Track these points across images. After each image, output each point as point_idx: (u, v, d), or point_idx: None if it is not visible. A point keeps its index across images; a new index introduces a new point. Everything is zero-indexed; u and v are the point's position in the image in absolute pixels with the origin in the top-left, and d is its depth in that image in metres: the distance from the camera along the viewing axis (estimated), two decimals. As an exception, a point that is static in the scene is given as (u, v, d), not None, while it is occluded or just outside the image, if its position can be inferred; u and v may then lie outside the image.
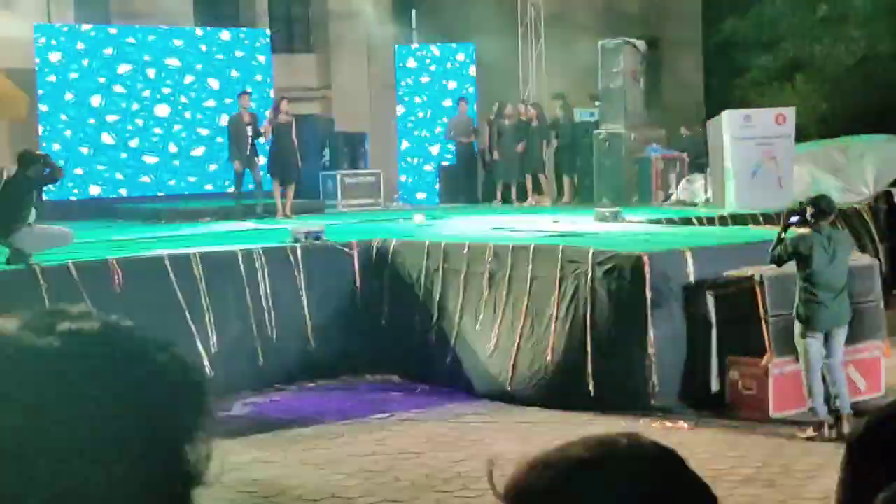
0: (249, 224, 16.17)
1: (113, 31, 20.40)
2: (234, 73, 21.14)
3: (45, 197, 13.76)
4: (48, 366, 0.98)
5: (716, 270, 10.93)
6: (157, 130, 20.45)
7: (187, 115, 20.76)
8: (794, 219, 9.58)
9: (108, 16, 21.02)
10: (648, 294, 10.56)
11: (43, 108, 19.55)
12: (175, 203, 19.36)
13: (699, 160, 19.01)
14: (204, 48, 20.98)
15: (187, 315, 11.24)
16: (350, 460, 9.27)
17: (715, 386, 10.70)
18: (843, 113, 23.75)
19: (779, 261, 9.63)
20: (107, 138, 19.99)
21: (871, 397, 10.61)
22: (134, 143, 20.23)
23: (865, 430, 1.60)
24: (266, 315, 11.91)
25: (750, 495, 8.13)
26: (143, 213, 18.37)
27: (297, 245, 12.41)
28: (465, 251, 12.08)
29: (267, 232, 14.59)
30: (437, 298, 12.21)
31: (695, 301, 10.80)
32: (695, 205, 17.61)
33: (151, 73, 20.42)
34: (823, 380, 9.54)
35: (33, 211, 11.21)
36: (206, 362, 10.98)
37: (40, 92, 19.54)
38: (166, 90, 20.57)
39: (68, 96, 19.74)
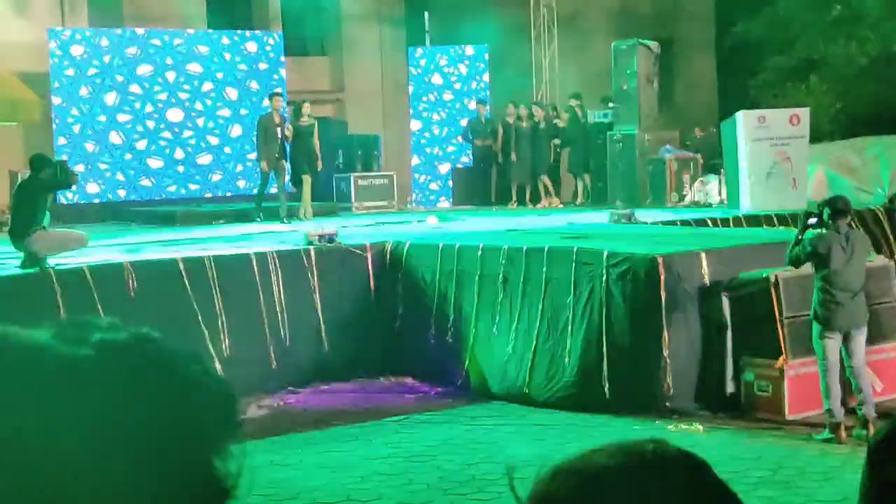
0: (263, 226, 16.16)
1: (121, 33, 20.42)
2: (245, 75, 21.17)
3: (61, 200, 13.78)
4: (84, 376, 0.97)
5: (730, 272, 10.91)
6: (167, 135, 20.48)
7: (200, 121, 20.80)
8: (812, 220, 9.56)
9: (122, 19, 21.04)
10: (663, 296, 10.54)
11: (56, 112, 19.59)
12: (189, 206, 19.40)
13: (713, 161, 18.98)
14: (217, 53, 21.01)
15: (199, 318, 11.26)
16: (364, 463, 9.26)
17: (730, 388, 10.68)
18: (857, 113, 23.67)
19: (797, 262, 9.59)
20: (116, 139, 20.02)
21: (890, 398, 10.58)
22: (141, 145, 20.26)
23: (887, 433, 1.57)
24: (280, 317, 11.92)
25: (765, 497, 8.09)
26: (157, 215, 18.43)
27: (311, 247, 12.43)
28: (479, 253, 12.07)
29: (281, 234, 14.62)
30: (452, 301, 12.20)
31: (710, 303, 10.77)
32: (709, 206, 17.57)
33: (170, 76, 20.49)
34: (840, 381, 9.51)
35: (48, 214, 11.23)
36: (217, 365, 10.98)
37: (54, 97, 19.58)
38: (183, 95, 20.61)
39: (82, 97, 19.78)
